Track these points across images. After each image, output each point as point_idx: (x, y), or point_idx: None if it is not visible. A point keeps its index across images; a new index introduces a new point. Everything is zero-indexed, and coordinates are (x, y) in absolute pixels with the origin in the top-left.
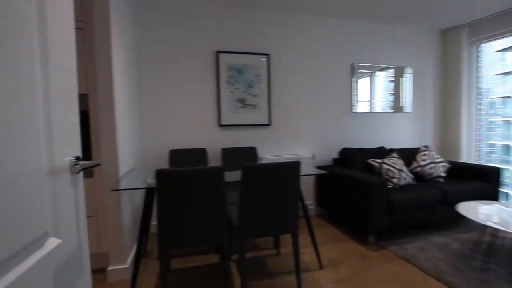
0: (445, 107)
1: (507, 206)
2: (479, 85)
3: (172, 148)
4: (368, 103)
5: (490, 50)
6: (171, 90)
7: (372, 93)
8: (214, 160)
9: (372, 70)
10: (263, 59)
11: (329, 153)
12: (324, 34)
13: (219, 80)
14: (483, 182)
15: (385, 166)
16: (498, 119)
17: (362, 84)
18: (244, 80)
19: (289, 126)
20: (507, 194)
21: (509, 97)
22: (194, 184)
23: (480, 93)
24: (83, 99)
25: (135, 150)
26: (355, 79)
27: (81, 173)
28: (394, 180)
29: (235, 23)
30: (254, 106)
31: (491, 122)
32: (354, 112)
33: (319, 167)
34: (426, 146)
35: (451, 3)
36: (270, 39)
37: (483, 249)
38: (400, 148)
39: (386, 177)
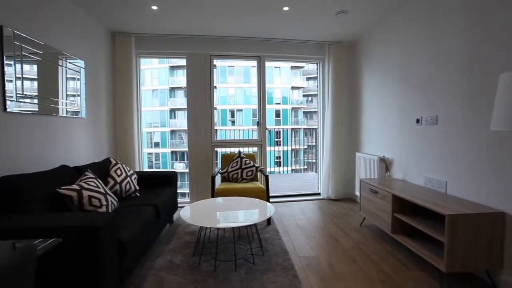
0: (118, 114)
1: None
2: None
3: None
4: (32, 99)
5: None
6: None
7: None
8: None
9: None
10: None
11: None
12: None
13: None
14: (167, 186)
15: (87, 193)
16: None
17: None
18: None
19: None
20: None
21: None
22: None
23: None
24: None
25: None
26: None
27: None
28: (103, 209)
29: None
30: None
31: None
32: (11, 113)
33: None
34: (114, 159)
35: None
36: None
37: (200, 246)
38: (84, 164)
39: (91, 208)
